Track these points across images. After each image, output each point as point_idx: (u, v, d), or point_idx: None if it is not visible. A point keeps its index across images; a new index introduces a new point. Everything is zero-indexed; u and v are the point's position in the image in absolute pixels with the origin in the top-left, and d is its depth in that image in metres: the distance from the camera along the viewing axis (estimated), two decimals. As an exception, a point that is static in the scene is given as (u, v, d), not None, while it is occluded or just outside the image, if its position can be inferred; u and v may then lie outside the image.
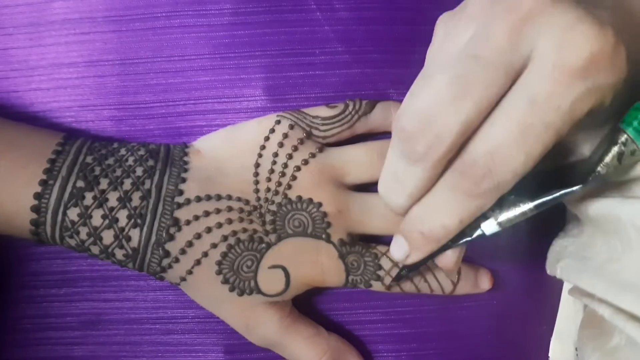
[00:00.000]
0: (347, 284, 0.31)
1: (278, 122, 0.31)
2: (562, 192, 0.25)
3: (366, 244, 0.31)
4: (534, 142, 0.22)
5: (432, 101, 0.22)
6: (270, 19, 0.31)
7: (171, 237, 0.29)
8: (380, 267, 0.30)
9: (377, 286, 0.31)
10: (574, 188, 0.25)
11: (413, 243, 0.26)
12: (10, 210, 0.28)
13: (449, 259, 0.27)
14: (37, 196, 0.28)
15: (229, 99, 0.31)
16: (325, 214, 0.30)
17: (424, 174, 0.24)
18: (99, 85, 0.31)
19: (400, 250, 0.27)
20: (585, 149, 0.28)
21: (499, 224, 0.25)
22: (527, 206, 0.25)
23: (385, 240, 0.31)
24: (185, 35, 0.31)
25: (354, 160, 0.31)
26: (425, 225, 0.25)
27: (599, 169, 0.25)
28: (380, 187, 0.26)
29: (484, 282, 0.32)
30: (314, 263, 0.30)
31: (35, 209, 0.28)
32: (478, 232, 0.26)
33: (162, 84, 0.31)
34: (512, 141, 0.22)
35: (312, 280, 0.30)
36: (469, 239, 0.26)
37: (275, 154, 0.30)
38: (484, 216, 0.25)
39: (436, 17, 0.33)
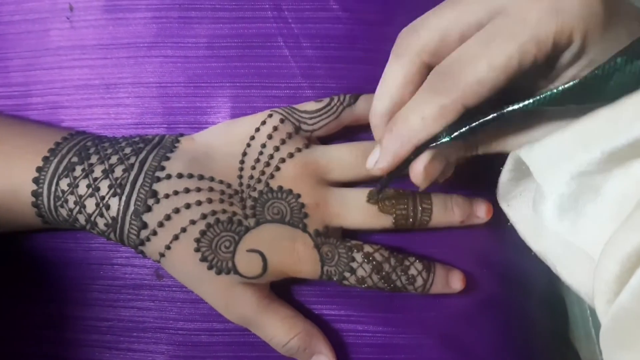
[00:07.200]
0: (322, 275, 0.31)
1: (270, 115, 0.32)
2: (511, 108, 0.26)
3: (341, 237, 0.32)
4: (496, 50, 0.25)
5: (424, 15, 0.27)
6: (242, 53, 0.33)
7: (149, 209, 0.30)
8: (353, 259, 0.31)
9: (351, 280, 0.31)
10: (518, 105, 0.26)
11: (383, 143, 0.28)
12: (16, 182, 0.31)
13: (417, 165, 0.28)
14: (38, 169, 0.31)
15: (199, 125, 0.34)
16: (303, 205, 0.31)
17: (403, 69, 0.27)
18: (85, 106, 0.34)
19: (372, 156, 0.29)
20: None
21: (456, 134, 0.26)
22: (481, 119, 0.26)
23: (360, 237, 0.32)
24: (163, 64, 0.34)
25: (339, 158, 0.32)
26: (395, 123, 0.27)
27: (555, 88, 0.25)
28: (373, 100, 0.29)
29: (456, 283, 0.32)
30: (290, 250, 0.31)
31: (35, 181, 0.31)
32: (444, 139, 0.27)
33: (140, 107, 0.34)
34: (477, 46, 0.25)
35: (289, 267, 0.31)
36: (436, 143, 0.27)
37: (263, 145, 0.32)
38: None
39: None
